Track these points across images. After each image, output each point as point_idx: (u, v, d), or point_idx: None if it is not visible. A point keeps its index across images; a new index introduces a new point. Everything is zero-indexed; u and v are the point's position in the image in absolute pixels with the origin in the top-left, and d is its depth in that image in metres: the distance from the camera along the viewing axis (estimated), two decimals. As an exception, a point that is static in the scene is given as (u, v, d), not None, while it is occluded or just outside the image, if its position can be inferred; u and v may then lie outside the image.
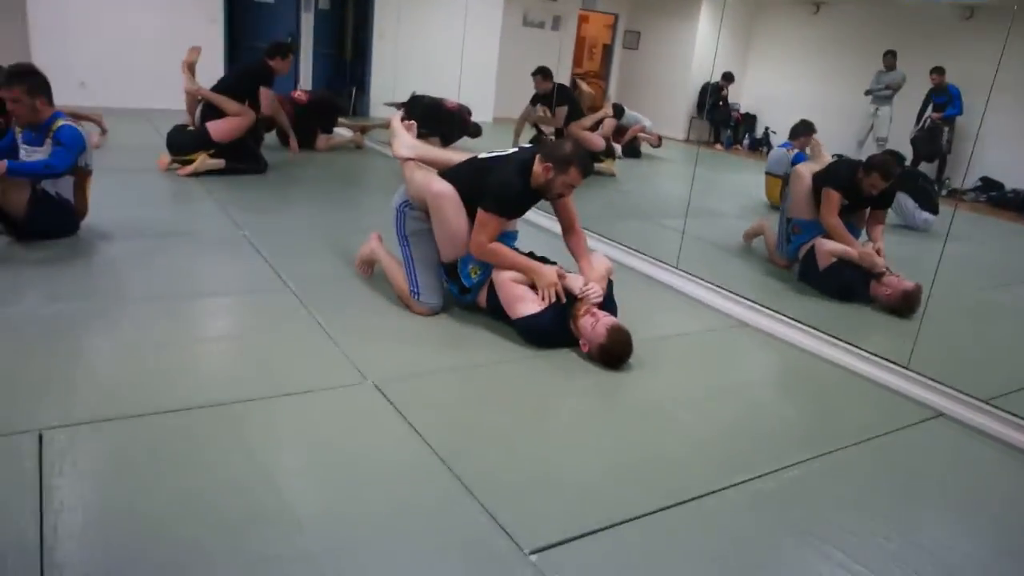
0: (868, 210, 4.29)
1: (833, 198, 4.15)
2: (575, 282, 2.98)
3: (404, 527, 1.81)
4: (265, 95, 5.53)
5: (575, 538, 1.82)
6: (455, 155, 3.30)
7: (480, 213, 2.94)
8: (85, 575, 1.53)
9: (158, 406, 2.22)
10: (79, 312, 2.84)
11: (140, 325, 2.79)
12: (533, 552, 1.76)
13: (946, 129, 8.23)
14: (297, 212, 4.83)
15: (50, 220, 3.52)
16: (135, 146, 6.07)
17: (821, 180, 4.27)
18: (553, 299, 2.91)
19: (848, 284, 4.04)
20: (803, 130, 6.08)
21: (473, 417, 2.45)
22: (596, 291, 2.95)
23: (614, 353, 2.82)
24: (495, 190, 2.94)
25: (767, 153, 10.05)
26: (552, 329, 2.93)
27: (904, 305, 3.83)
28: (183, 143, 5.23)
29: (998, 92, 3.66)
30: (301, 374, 2.56)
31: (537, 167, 2.94)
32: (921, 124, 8.25)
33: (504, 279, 2.96)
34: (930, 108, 8.17)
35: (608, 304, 3.02)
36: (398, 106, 7.75)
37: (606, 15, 12.00)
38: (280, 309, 3.11)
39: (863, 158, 4.63)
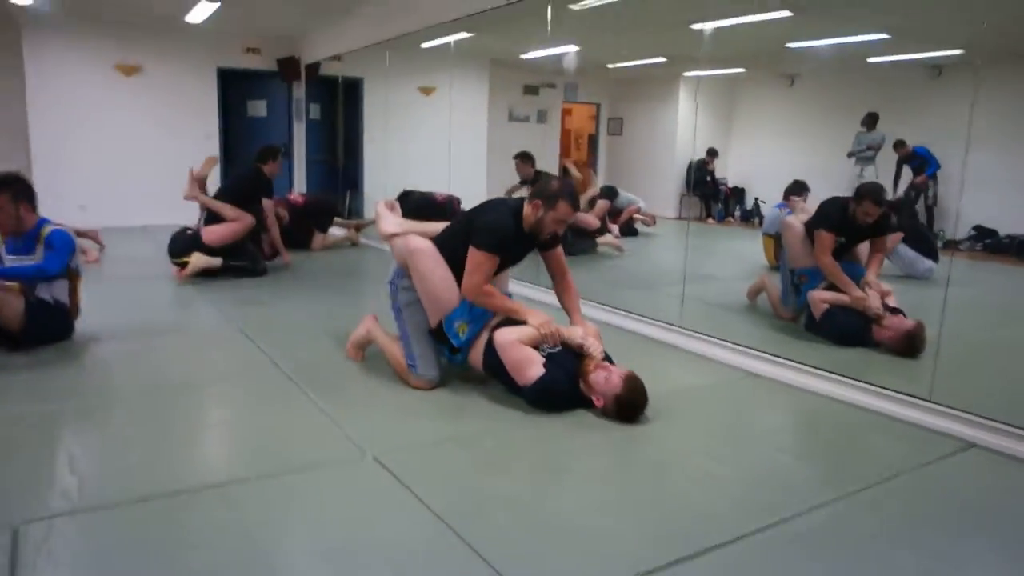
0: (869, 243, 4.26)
1: (824, 238, 4.12)
2: (573, 332, 2.91)
3: (409, 595, 1.67)
4: (268, 207, 5.60)
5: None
6: (441, 225, 3.27)
7: (472, 253, 2.88)
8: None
9: (145, 493, 2.10)
10: (67, 410, 2.75)
11: (128, 418, 2.70)
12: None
13: (930, 183, 8.36)
14: (292, 305, 4.79)
15: (48, 326, 3.48)
16: (132, 257, 6.13)
17: (812, 223, 4.25)
18: (551, 334, 2.84)
19: (844, 329, 3.94)
20: (796, 189, 6.12)
21: (481, 483, 2.31)
22: (598, 345, 2.87)
23: (631, 403, 2.73)
24: (486, 227, 2.91)
25: (759, 223, 10.18)
26: (566, 389, 2.82)
27: (908, 345, 3.72)
28: (178, 246, 5.26)
29: (976, 143, 3.72)
30: (298, 453, 2.45)
31: (527, 208, 2.94)
32: (907, 193, 8.36)
33: (508, 341, 2.84)
34: (905, 177, 8.31)
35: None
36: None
37: (589, 105, 12.39)
38: (274, 392, 3.02)
39: None
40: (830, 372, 3.24)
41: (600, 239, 7.15)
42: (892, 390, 2.99)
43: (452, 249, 2.97)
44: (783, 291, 4.56)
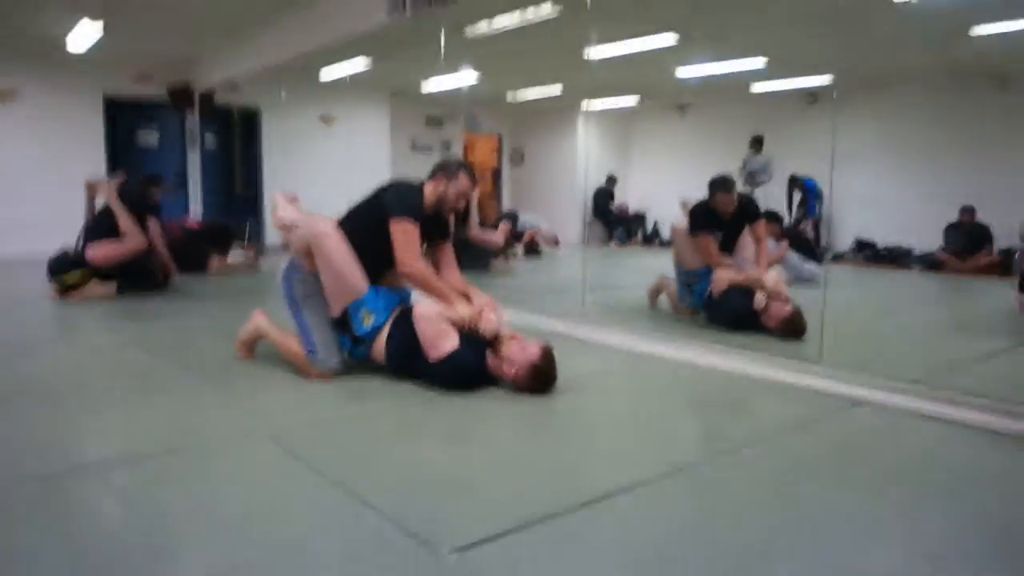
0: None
1: (702, 239, 4.34)
2: (464, 310, 2.87)
3: (308, 548, 1.59)
4: (155, 229, 5.36)
5: (493, 537, 1.63)
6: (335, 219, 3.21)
7: (395, 227, 2.85)
8: None
9: (32, 472, 1.92)
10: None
11: (8, 414, 2.49)
12: (453, 552, 1.56)
13: (817, 205, 8.91)
14: (183, 319, 4.55)
15: None
16: (18, 283, 5.74)
17: (689, 228, 4.45)
18: (489, 320, 2.81)
19: (736, 310, 4.09)
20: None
21: (382, 452, 2.23)
22: (493, 318, 2.85)
23: (546, 372, 2.74)
24: (400, 198, 2.91)
25: (659, 244, 10.53)
26: (476, 367, 2.78)
27: (791, 328, 3.90)
28: (59, 263, 4.93)
29: (847, 162, 3.98)
30: (188, 435, 2.30)
31: (428, 187, 2.98)
32: (797, 215, 8.87)
33: (432, 313, 2.78)
34: (795, 205, 8.84)
35: None
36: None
37: (490, 138, 12.60)
38: (162, 386, 2.85)
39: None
40: (727, 347, 3.34)
41: (495, 260, 7.22)
42: (785, 357, 3.11)
43: (357, 233, 2.88)
44: (679, 290, 4.70)
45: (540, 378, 2.73)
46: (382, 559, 1.53)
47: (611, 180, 11.08)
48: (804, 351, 3.44)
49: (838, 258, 8.77)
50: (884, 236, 8.98)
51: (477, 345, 2.82)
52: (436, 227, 3.12)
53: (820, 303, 3.49)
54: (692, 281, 4.50)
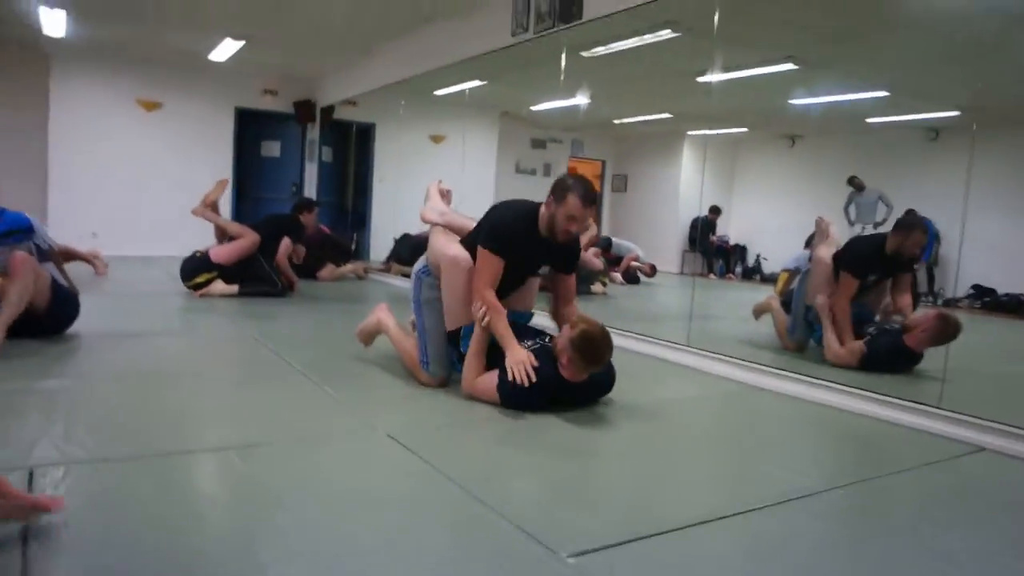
0: (889, 283, 4.25)
1: (849, 284, 4.08)
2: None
3: (429, 544, 1.67)
4: (286, 245, 5.75)
5: (609, 546, 1.66)
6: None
7: (478, 252, 2.83)
8: None
9: (164, 449, 2.11)
10: (83, 387, 2.76)
11: (144, 394, 2.71)
12: (571, 556, 1.60)
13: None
14: (301, 320, 4.82)
15: (66, 306, 3.53)
16: (143, 279, 6.19)
17: (842, 260, 4.19)
18: (521, 379, 2.63)
19: (891, 348, 3.87)
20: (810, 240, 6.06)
21: (494, 456, 2.32)
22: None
23: (587, 335, 2.62)
24: (492, 226, 2.86)
25: (760, 280, 10.28)
26: (534, 383, 2.65)
27: (942, 327, 3.64)
28: (189, 269, 5.35)
29: (972, 205, 3.81)
30: (310, 427, 2.46)
31: (542, 208, 2.87)
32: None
33: (470, 391, 2.82)
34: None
35: (604, 373, 2.86)
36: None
37: (594, 163, 12.66)
38: (284, 381, 3.04)
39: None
40: (840, 383, 3.25)
41: (592, 285, 7.26)
42: (900, 398, 3.00)
43: (474, 254, 2.91)
44: (792, 322, 4.58)
45: (587, 343, 2.62)
46: (502, 558, 1.59)
47: (714, 211, 10.91)
48: (923, 392, 3.30)
49: (950, 304, 8.32)
50: (1004, 284, 8.46)
51: (547, 360, 2.75)
52: (551, 255, 3.03)
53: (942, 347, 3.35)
54: (817, 320, 4.29)
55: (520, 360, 2.68)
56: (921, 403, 2.94)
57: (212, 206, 5.64)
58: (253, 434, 2.34)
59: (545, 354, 2.78)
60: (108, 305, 4.61)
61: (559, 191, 2.79)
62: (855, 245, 4.27)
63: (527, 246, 2.93)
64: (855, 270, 4.10)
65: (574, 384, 2.74)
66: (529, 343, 2.86)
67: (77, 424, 2.25)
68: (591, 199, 2.81)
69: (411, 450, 2.23)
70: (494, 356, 2.83)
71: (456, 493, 1.92)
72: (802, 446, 2.76)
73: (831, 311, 4.11)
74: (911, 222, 4.11)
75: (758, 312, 4.92)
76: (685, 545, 1.70)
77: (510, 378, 2.66)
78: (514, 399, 2.72)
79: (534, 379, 2.64)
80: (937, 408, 2.87)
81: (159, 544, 1.53)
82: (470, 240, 3.00)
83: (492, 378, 2.78)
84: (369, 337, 3.46)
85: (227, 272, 5.32)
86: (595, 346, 2.65)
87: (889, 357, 3.87)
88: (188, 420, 2.46)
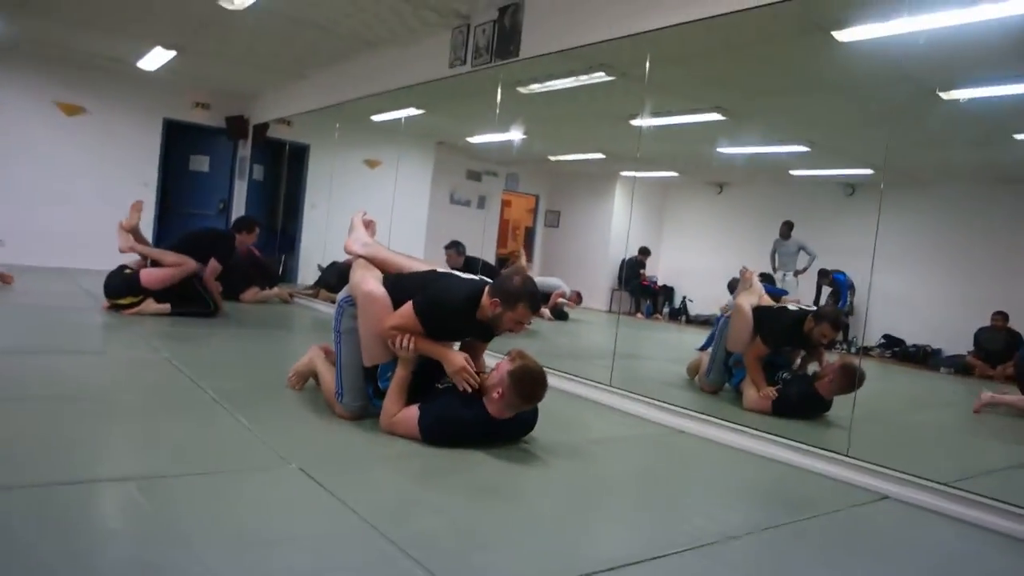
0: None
1: (761, 348, 4.25)
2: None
3: (330, 577, 1.60)
4: (213, 266, 5.51)
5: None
6: (410, 261, 3.21)
7: (407, 306, 2.76)
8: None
9: (59, 479, 1.97)
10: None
11: (41, 419, 2.54)
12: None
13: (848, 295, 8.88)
14: (220, 343, 4.64)
15: None
16: (57, 292, 5.88)
17: (762, 326, 4.34)
18: (464, 387, 2.67)
19: (802, 394, 4.04)
20: (733, 284, 6.21)
21: (407, 492, 2.26)
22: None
23: (526, 371, 2.61)
24: (432, 300, 2.78)
25: (686, 320, 10.52)
26: (456, 411, 2.68)
27: (846, 377, 3.84)
28: (116, 286, 5.09)
29: (882, 260, 4.01)
30: (219, 458, 2.35)
31: (485, 300, 2.79)
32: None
33: (387, 424, 2.76)
34: (823, 298, 8.78)
35: (529, 411, 2.83)
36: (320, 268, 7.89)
37: (528, 198, 12.80)
38: (196, 408, 2.91)
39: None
40: (754, 429, 3.33)
41: None
42: (812, 445, 3.09)
43: (403, 302, 2.82)
44: (709, 365, 4.68)
45: (524, 382, 2.61)
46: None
47: (644, 252, 11.14)
48: (832, 440, 3.41)
49: (863, 352, 8.70)
50: (912, 334, 8.90)
51: (471, 396, 2.73)
52: (477, 331, 2.99)
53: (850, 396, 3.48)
54: (736, 366, 4.47)
55: (459, 367, 2.69)
56: (830, 451, 3.03)
57: (134, 232, 5.37)
58: (155, 465, 2.22)
59: (467, 400, 2.74)
60: (10, 318, 4.35)
61: (509, 298, 2.73)
62: (778, 317, 4.40)
63: (457, 327, 2.91)
64: (770, 341, 4.29)
65: (499, 421, 2.71)
66: (445, 381, 2.82)
67: (-43, 448, 2.09)
68: (538, 308, 2.85)
69: (322, 485, 2.15)
70: (414, 392, 2.80)
71: (366, 532, 1.86)
72: (719, 490, 2.79)
73: (748, 366, 4.26)
74: (824, 314, 4.29)
75: (693, 370, 4.98)
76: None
77: (461, 388, 2.67)
78: (436, 434, 2.68)
79: (476, 385, 2.66)
80: (845, 456, 2.96)
81: (36, 585, 1.42)
82: (395, 283, 2.94)
83: (412, 412, 2.73)
84: (302, 379, 3.36)
85: (157, 294, 5.11)
86: (533, 381, 2.64)
87: (799, 403, 4.03)
88: (85, 448, 2.31)
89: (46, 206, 7.69)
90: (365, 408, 2.98)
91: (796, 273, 8.86)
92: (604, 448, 3.14)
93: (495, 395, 2.66)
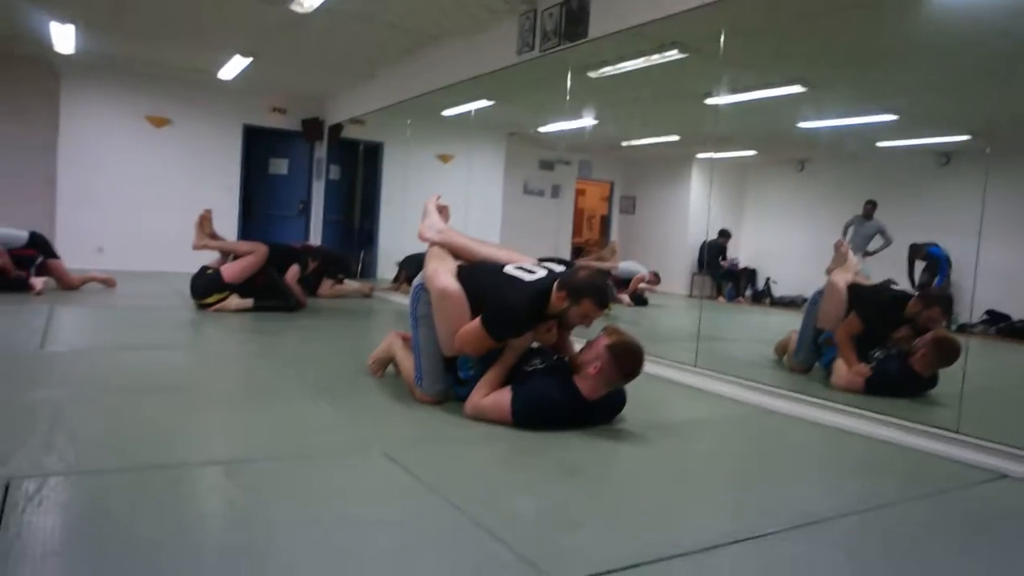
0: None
1: (856, 324, 4.00)
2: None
3: (422, 568, 1.58)
4: (293, 271, 5.90)
5: (613, 571, 1.57)
6: (484, 246, 3.18)
7: (477, 322, 2.72)
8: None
9: (150, 462, 2.03)
10: (74, 397, 2.69)
11: (138, 406, 2.64)
12: (567, 581, 1.51)
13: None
14: (306, 337, 4.74)
15: None
16: (151, 294, 6.16)
17: (860, 300, 4.10)
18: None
19: (895, 372, 3.80)
20: None
21: (492, 475, 2.23)
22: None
23: (625, 346, 2.59)
24: (498, 308, 2.73)
25: (770, 303, 10.18)
26: (549, 394, 2.64)
27: (940, 349, 3.62)
28: (201, 286, 5.31)
29: (986, 229, 3.75)
30: (303, 442, 2.37)
31: (554, 295, 2.75)
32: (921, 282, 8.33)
33: (476, 410, 2.72)
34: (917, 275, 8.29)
35: (616, 395, 2.79)
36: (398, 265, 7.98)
37: (602, 185, 12.63)
38: (284, 396, 2.97)
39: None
40: (849, 407, 3.15)
41: None
42: (916, 422, 2.90)
43: (475, 297, 2.81)
44: (798, 344, 4.48)
45: (624, 357, 2.59)
46: (497, 579, 1.50)
47: (724, 234, 10.83)
48: (939, 417, 3.20)
49: (964, 329, 8.17)
50: (1019, 310, 8.32)
51: (563, 377, 2.71)
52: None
53: (958, 370, 3.25)
54: (827, 344, 4.23)
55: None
56: (937, 427, 2.83)
57: (210, 235, 5.62)
58: (242, 451, 2.26)
59: (560, 370, 2.73)
60: (109, 318, 4.57)
61: (575, 294, 2.70)
62: (879, 293, 4.18)
63: (527, 327, 2.83)
64: (866, 317, 4.02)
65: (590, 403, 2.67)
66: (538, 361, 2.79)
67: (59, 436, 2.18)
68: (606, 303, 2.79)
69: (407, 469, 2.14)
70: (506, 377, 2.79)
71: (452, 514, 1.83)
72: (814, 470, 2.66)
73: (839, 343, 4.03)
74: (935, 297, 4.02)
75: (781, 350, 4.78)
76: (693, 571, 1.61)
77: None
78: (528, 416, 2.64)
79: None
80: (955, 433, 2.77)
81: (137, 562, 1.45)
82: (468, 276, 2.89)
83: (503, 395, 2.69)
84: (381, 366, 3.39)
85: (239, 288, 5.29)
86: (633, 355, 2.62)
87: (894, 380, 3.78)
88: (176, 435, 2.38)
89: (140, 213, 8.08)
90: (446, 392, 2.97)
91: (865, 255, 8.40)
92: (693, 429, 3.03)
93: (591, 371, 2.62)
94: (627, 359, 2.60)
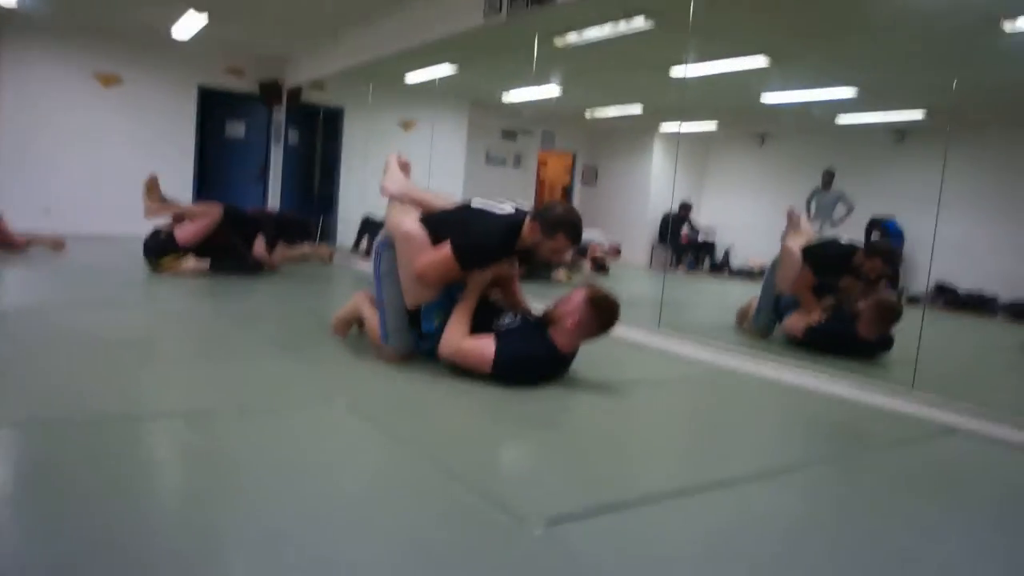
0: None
1: (807, 276, 4.15)
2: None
3: (392, 512, 1.57)
4: (261, 244, 5.74)
5: (579, 516, 1.58)
6: (444, 200, 3.15)
7: (444, 248, 2.71)
8: None
9: (110, 412, 1.97)
10: (16, 350, 2.60)
11: (96, 361, 2.56)
12: (540, 526, 1.51)
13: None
14: (264, 297, 4.65)
15: None
16: (103, 256, 5.97)
17: (809, 254, 4.23)
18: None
19: (836, 332, 3.92)
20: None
21: (458, 427, 2.22)
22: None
23: (601, 297, 2.68)
24: (473, 241, 2.74)
25: (729, 274, 10.33)
26: (530, 354, 2.67)
27: (879, 312, 3.75)
28: (153, 247, 5.15)
29: (930, 204, 3.87)
30: (264, 395, 2.33)
31: (526, 227, 2.76)
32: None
33: (452, 349, 2.70)
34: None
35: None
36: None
37: (564, 156, 12.61)
38: (244, 352, 2.91)
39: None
40: (809, 368, 3.22)
41: (555, 272, 7.27)
42: (876, 380, 2.97)
43: (442, 239, 2.77)
44: (758, 308, 4.55)
45: (603, 306, 2.68)
46: (469, 528, 1.50)
47: (685, 207, 10.92)
48: (896, 375, 3.29)
49: (913, 301, 8.42)
50: (965, 282, 8.59)
51: (526, 332, 2.73)
52: (518, 257, 3.00)
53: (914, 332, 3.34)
54: (787, 309, 4.31)
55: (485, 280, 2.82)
56: (894, 383, 2.91)
57: (160, 200, 5.42)
58: (201, 403, 2.21)
59: (534, 327, 2.75)
60: (60, 277, 4.41)
61: (550, 227, 2.70)
62: (826, 247, 4.31)
63: (496, 258, 2.84)
64: (816, 268, 4.18)
65: (562, 356, 2.71)
66: (508, 320, 2.79)
67: (8, 387, 2.10)
68: (579, 237, 2.78)
69: (373, 421, 2.12)
70: (476, 323, 2.77)
71: (418, 464, 1.82)
72: (775, 425, 2.71)
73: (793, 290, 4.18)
74: (876, 248, 4.18)
75: (743, 316, 4.85)
76: (660, 517, 1.62)
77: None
78: (509, 370, 2.64)
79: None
80: (910, 390, 2.84)
81: (95, 509, 1.41)
82: (435, 221, 2.87)
83: (487, 345, 2.67)
84: (346, 326, 3.34)
85: (195, 250, 5.15)
86: (611, 308, 2.70)
87: (832, 338, 3.90)
88: (133, 388, 2.31)
89: (89, 174, 7.80)
90: (411, 349, 2.94)
91: (832, 224, 8.56)
92: (658, 386, 3.06)
93: (569, 324, 2.66)
94: (606, 311, 2.68)
